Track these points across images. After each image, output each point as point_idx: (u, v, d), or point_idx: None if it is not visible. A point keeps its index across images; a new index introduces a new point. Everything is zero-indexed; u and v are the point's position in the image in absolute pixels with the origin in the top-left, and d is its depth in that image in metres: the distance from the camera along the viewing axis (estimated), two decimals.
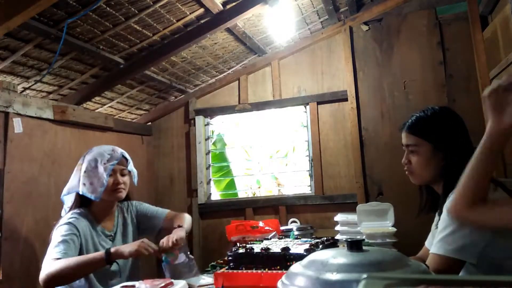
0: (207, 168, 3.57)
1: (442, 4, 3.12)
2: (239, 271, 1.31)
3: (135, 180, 1.89)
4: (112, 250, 1.54)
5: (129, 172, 1.86)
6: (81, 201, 1.77)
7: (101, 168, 1.72)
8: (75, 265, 1.49)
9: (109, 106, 3.23)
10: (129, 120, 3.54)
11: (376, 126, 3.17)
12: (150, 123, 3.71)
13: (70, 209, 1.76)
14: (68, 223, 1.64)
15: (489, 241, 1.11)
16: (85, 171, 1.73)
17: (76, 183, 1.75)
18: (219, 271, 1.37)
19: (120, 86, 3.02)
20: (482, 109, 2.81)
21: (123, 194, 1.81)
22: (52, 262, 1.50)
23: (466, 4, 2.95)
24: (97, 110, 3.15)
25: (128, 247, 1.56)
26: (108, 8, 2.19)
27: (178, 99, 3.65)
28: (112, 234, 1.81)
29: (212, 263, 1.81)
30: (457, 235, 1.14)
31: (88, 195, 1.70)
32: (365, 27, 3.29)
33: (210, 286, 1.47)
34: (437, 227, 1.26)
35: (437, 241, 1.18)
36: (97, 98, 3.01)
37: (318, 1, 2.94)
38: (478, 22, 2.87)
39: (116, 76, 2.81)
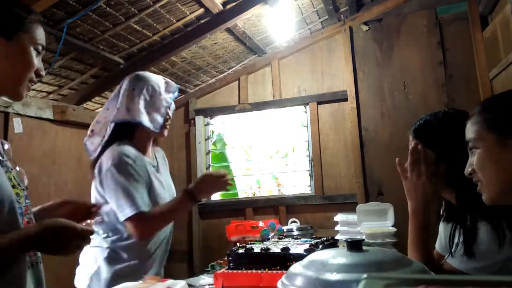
0: (207, 168, 3.57)
1: (442, 4, 3.12)
2: (239, 271, 1.31)
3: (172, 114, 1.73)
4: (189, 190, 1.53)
5: None
6: (124, 131, 1.58)
7: (158, 99, 1.58)
8: (166, 218, 1.54)
9: None
10: None
11: (376, 126, 3.17)
12: None
13: (110, 139, 1.57)
14: (125, 163, 1.49)
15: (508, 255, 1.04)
16: (141, 99, 1.56)
17: (125, 110, 1.55)
18: (219, 271, 1.37)
19: None
20: None
21: (167, 132, 1.68)
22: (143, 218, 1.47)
23: (466, 4, 2.95)
24: (97, 110, 3.15)
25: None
26: (108, 8, 2.19)
27: (178, 99, 3.65)
28: (155, 166, 1.68)
29: (212, 263, 1.82)
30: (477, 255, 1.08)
31: (147, 124, 1.55)
32: (365, 27, 3.29)
33: (210, 286, 1.47)
34: (452, 235, 1.19)
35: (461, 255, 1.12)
36: (97, 98, 3.00)
37: (318, 1, 2.94)
38: (478, 22, 2.87)
39: (116, 76, 2.80)
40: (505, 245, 1.05)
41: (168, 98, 1.61)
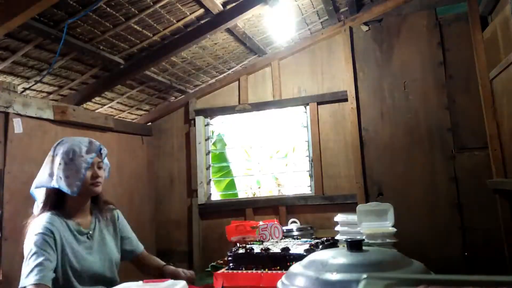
0: (207, 168, 3.57)
1: (442, 4, 3.13)
2: (239, 271, 1.31)
3: (108, 174, 1.76)
4: None
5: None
6: (54, 196, 1.63)
7: (78, 161, 1.60)
8: None
9: (109, 107, 3.23)
10: (129, 120, 3.54)
11: (376, 126, 3.17)
12: (150, 123, 3.71)
13: (44, 205, 1.64)
14: (43, 233, 1.51)
15: None
16: (60, 164, 1.60)
17: (47, 176, 1.62)
18: (219, 271, 1.37)
19: (120, 87, 3.02)
20: (482, 109, 2.81)
21: (100, 188, 1.69)
22: None
23: (466, 4, 2.95)
24: (97, 111, 3.15)
25: None
26: (108, 9, 2.19)
27: (178, 100, 3.66)
28: (90, 232, 1.68)
29: (212, 263, 1.82)
30: None
31: (65, 189, 1.57)
32: (365, 28, 3.29)
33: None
34: None
35: None
36: (97, 98, 3.01)
37: (318, 1, 2.94)
38: (478, 22, 2.87)
39: (116, 76, 2.81)
40: None
41: (88, 158, 1.62)
